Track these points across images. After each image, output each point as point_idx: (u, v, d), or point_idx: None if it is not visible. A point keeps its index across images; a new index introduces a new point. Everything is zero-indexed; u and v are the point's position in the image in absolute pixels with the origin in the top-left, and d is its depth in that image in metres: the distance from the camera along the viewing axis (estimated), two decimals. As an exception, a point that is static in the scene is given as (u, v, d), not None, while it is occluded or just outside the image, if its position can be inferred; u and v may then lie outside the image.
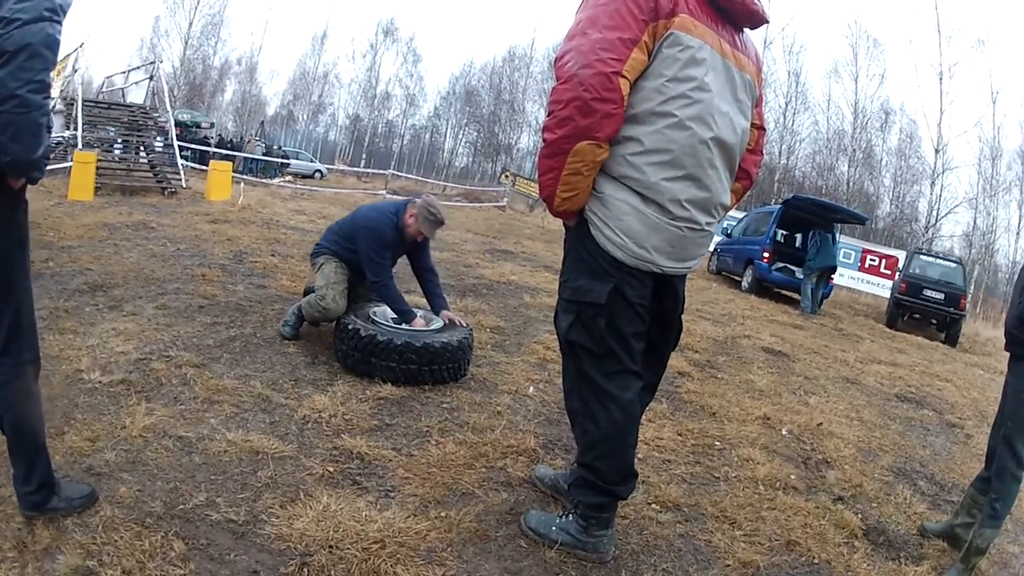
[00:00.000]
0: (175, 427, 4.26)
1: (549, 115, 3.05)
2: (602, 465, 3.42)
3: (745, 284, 18.82)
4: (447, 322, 5.99)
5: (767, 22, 3.54)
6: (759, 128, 3.69)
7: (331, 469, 4.05)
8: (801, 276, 17.85)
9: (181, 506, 3.47)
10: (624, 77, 2.96)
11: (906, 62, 76.12)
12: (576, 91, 2.93)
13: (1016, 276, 4.44)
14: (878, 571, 4.03)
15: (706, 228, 3.36)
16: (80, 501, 3.22)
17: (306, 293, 6.39)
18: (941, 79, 43.67)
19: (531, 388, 5.96)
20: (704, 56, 3.09)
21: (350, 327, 5.49)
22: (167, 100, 21.98)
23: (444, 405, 5.27)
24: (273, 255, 9.82)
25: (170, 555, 3.08)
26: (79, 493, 3.25)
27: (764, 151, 3.78)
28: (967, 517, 4.46)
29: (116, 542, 3.09)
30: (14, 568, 2.88)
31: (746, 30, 3.50)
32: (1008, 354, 4.34)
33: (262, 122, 53.01)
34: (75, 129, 17.01)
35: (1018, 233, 45.57)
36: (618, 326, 3.28)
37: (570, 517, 3.60)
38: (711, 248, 25.37)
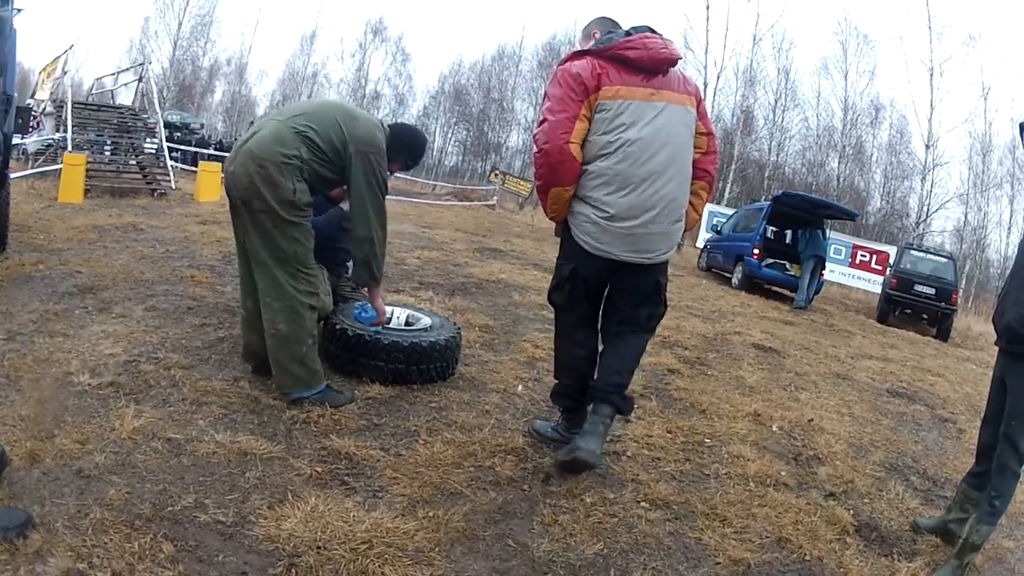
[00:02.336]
0: (164, 429, 4.26)
1: (535, 169, 4.44)
2: (567, 379, 4.87)
3: (735, 281, 18.82)
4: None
5: (680, 59, 4.60)
6: (707, 135, 4.73)
7: (319, 470, 4.05)
8: (792, 272, 17.92)
9: (170, 508, 3.47)
10: (573, 143, 4.29)
11: (896, 58, 76.07)
12: (545, 159, 4.32)
13: (1010, 271, 4.43)
14: (871, 567, 4.03)
15: (652, 229, 4.40)
16: (15, 530, 3.13)
17: None
18: (932, 75, 43.53)
19: (520, 387, 5.97)
20: (624, 109, 4.30)
21: (338, 327, 5.48)
22: (156, 101, 21.86)
23: (432, 404, 5.27)
24: (263, 256, 9.81)
25: (159, 557, 3.08)
26: (14, 521, 3.19)
27: (717, 149, 4.88)
28: (960, 513, 4.46)
29: (106, 544, 3.10)
30: (6, 571, 2.88)
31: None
32: (998, 349, 4.36)
33: (251, 123, 52.92)
34: (65, 131, 16.98)
35: (1009, 228, 45.61)
36: (575, 293, 4.60)
37: (559, 421, 4.97)
38: (700, 245, 25.63)
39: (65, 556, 2.99)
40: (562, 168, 4.30)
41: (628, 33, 4.45)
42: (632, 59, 4.33)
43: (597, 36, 4.57)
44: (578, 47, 4.65)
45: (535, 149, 4.39)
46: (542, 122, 4.36)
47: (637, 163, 4.28)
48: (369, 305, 5.48)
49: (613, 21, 4.70)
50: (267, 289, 4.82)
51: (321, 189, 5.13)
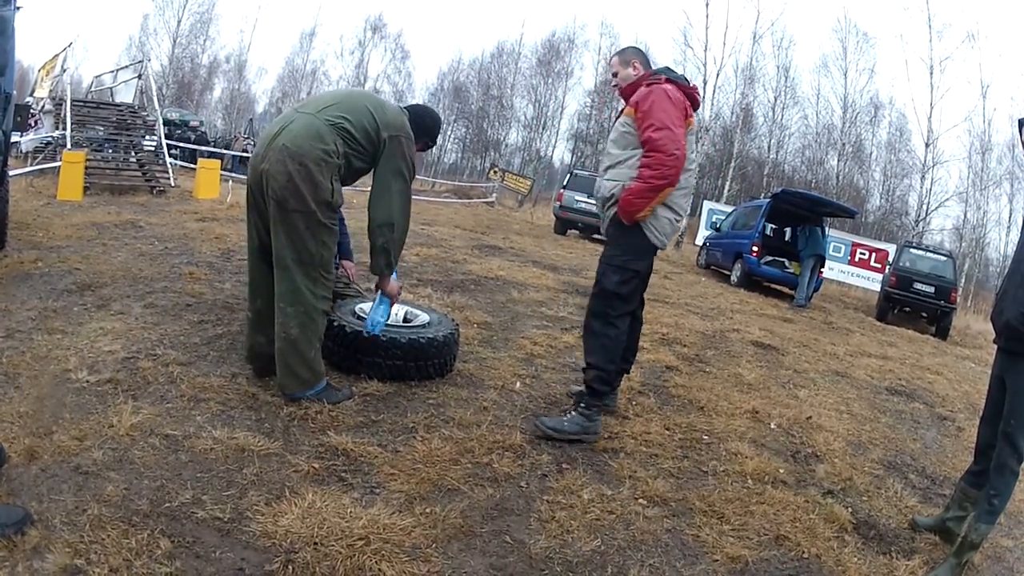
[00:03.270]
0: (162, 425, 4.27)
1: (654, 171, 4.96)
2: (609, 366, 5.21)
3: (734, 278, 18.84)
4: (347, 272, 6.77)
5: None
6: None
7: (316, 466, 4.06)
8: (791, 270, 17.94)
9: (167, 504, 3.48)
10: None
11: (896, 56, 75.98)
12: (676, 163, 4.96)
13: (1008, 269, 4.42)
14: (869, 565, 4.03)
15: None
16: (13, 527, 3.14)
17: None
18: (931, 73, 43.42)
19: (518, 383, 5.97)
20: (691, 135, 5.28)
21: (336, 323, 5.47)
22: (155, 99, 21.83)
23: (430, 401, 5.27)
24: (261, 253, 9.81)
25: (156, 553, 3.09)
26: (13, 518, 3.19)
27: None
28: (959, 511, 4.45)
29: (103, 540, 3.11)
30: (5, 567, 2.90)
31: None
32: (996, 347, 4.35)
33: (250, 120, 52.81)
34: (64, 129, 16.97)
35: (1008, 227, 45.58)
36: (637, 286, 5.33)
37: (573, 414, 5.15)
38: (699, 242, 25.88)
39: (63, 552, 3.00)
40: (679, 172, 5.05)
41: (685, 79, 5.42)
42: (696, 100, 5.39)
43: (638, 66, 5.44)
44: (615, 68, 5.57)
45: (664, 153, 4.95)
46: (662, 128, 4.98)
47: (693, 179, 5.47)
48: (377, 314, 5.34)
49: (645, 55, 5.63)
50: (284, 294, 4.77)
51: (351, 181, 5.11)
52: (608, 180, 5.32)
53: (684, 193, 5.27)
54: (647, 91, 5.14)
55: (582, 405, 5.17)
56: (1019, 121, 4.27)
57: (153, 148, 19.72)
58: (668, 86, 5.14)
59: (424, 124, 5.38)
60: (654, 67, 5.52)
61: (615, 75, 5.53)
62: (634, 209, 5.07)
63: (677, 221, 5.30)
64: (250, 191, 4.87)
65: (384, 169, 4.94)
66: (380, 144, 4.89)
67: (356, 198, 10.67)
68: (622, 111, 5.44)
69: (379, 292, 5.32)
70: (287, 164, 4.56)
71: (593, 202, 20.75)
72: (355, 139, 4.80)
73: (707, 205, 34.87)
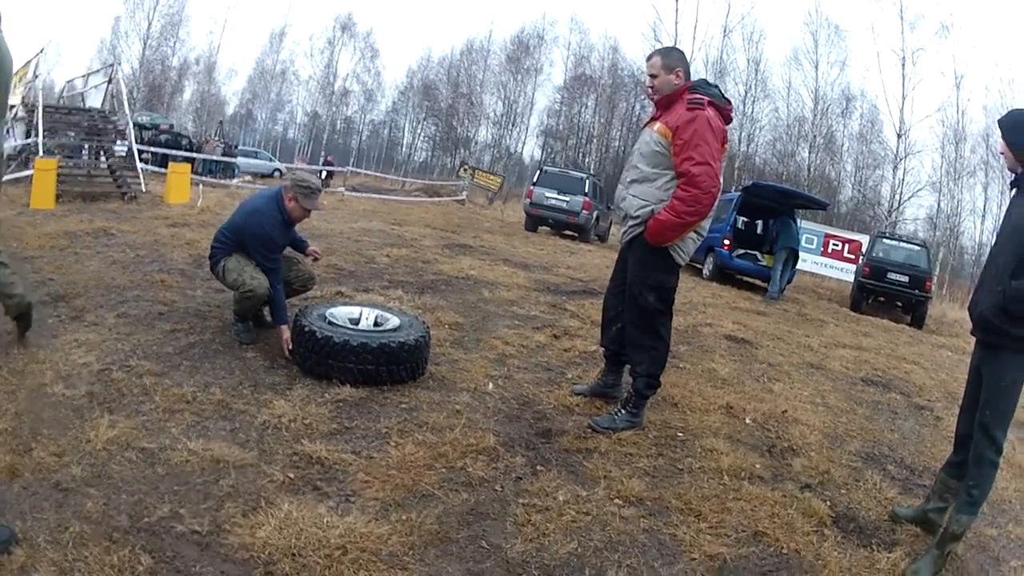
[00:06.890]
0: (138, 438, 4.28)
1: (689, 207, 5.07)
2: (659, 371, 5.56)
3: (706, 272, 18.90)
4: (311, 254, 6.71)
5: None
6: None
7: (292, 475, 4.08)
8: (763, 263, 17.99)
9: (146, 519, 3.50)
10: None
11: (868, 49, 76.24)
12: (712, 200, 5.12)
13: (986, 261, 4.46)
14: (849, 559, 4.05)
15: None
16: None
17: None
18: (903, 65, 43.71)
19: (490, 385, 5.99)
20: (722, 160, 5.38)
21: (307, 329, 5.49)
22: (126, 103, 21.61)
23: (403, 405, 5.29)
24: (233, 258, 9.77)
25: (138, 569, 3.12)
26: None
27: None
28: (939, 502, 4.48)
29: (86, 558, 3.13)
30: (-8, 588, 2.91)
31: None
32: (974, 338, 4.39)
33: (220, 122, 52.56)
34: (36, 136, 16.82)
35: (983, 216, 45.93)
36: (673, 297, 5.54)
37: (623, 412, 5.51)
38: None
39: (49, 571, 3.03)
40: (713, 206, 5.24)
41: (722, 96, 5.44)
42: (729, 117, 5.44)
43: (681, 75, 5.31)
44: (654, 70, 5.34)
45: (702, 190, 5.05)
46: (702, 164, 5.04)
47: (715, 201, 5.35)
48: None
49: (688, 63, 5.48)
50: None
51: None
52: (634, 196, 5.39)
53: (710, 216, 5.38)
54: (690, 117, 5.10)
55: (631, 406, 5.51)
56: (999, 122, 4.30)
57: (124, 154, 19.54)
58: (710, 112, 5.15)
59: None
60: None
61: (653, 77, 5.36)
62: (664, 239, 5.22)
63: (699, 239, 5.45)
64: None
65: None
66: None
67: (326, 199, 10.62)
68: (652, 119, 5.52)
69: None
70: None
71: (563, 198, 20.52)
72: None
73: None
